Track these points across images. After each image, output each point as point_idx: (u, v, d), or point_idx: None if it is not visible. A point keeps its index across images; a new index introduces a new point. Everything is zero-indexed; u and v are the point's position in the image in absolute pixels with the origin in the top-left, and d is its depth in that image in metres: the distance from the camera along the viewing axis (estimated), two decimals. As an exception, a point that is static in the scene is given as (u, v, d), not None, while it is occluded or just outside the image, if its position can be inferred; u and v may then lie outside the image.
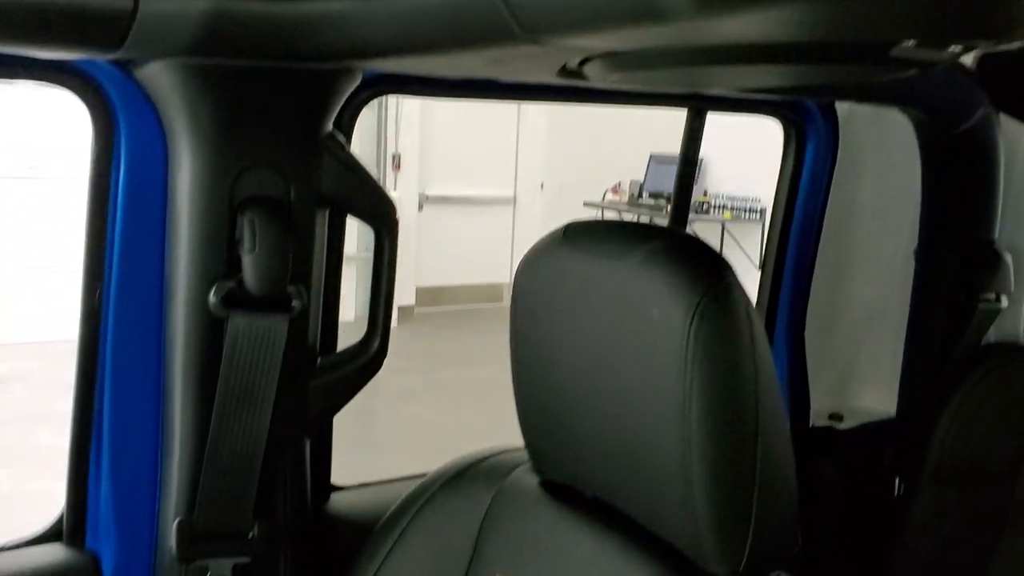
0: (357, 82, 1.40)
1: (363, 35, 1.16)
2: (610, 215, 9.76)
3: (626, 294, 1.08)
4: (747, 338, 1.03)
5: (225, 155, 1.30)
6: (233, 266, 1.32)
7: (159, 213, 1.36)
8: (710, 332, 1.00)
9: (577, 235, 1.20)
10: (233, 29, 1.15)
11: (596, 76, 1.19)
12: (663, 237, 1.11)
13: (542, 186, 10.21)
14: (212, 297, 1.32)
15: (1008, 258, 2.11)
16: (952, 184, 2.09)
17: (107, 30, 1.11)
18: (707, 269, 1.05)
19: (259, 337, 1.32)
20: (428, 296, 9.63)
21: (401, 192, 9.26)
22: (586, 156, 9.82)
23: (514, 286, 1.26)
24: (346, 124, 1.52)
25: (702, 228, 8.62)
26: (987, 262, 2.09)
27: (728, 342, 1.02)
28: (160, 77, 1.26)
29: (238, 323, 1.31)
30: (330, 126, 1.41)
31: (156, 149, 1.34)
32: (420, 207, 9.57)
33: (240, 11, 1.14)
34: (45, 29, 1.08)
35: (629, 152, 9.46)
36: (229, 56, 1.23)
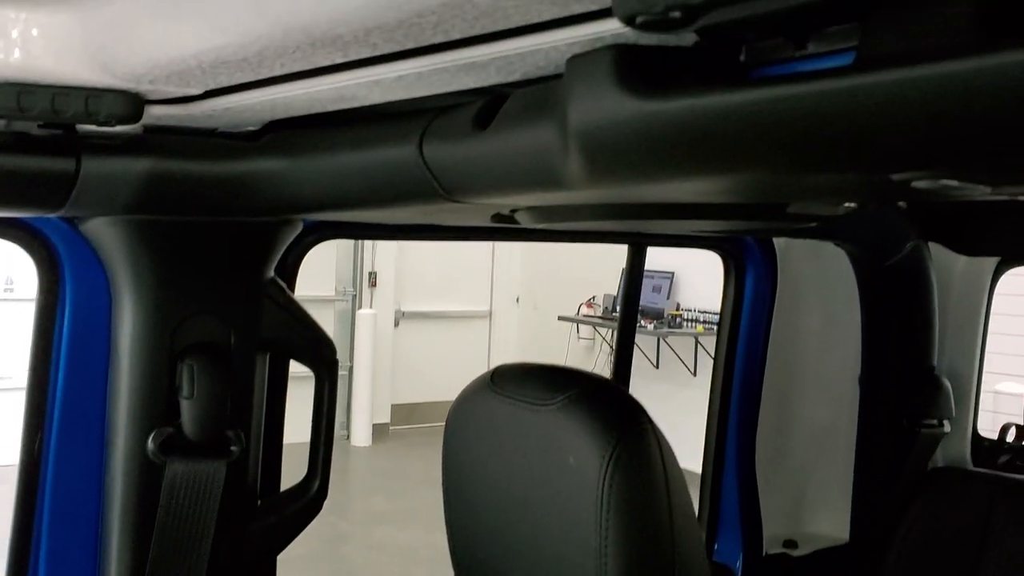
0: (298, 230, 1.46)
1: (298, 192, 1.22)
2: (585, 329, 9.85)
3: (546, 441, 1.12)
4: (661, 484, 1.06)
5: (167, 304, 1.34)
6: (173, 412, 1.35)
7: (102, 361, 1.39)
8: (624, 480, 1.03)
9: (504, 379, 1.24)
10: (172, 188, 1.21)
11: (527, 223, 1.26)
12: (582, 383, 1.15)
13: (518, 300, 10.32)
14: (150, 444, 1.34)
15: (948, 384, 2.17)
16: (889, 313, 2.16)
17: (50, 191, 1.17)
18: (622, 416, 1.09)
19: (196, 482, 1.34)
20: (403, 413, 9.58)
21: (377, 309, 9.33)
22: (561, 270, 9.96)
23: (446, 427, 1.30)
24: (290, 268, 1.58)
25: (675, 342, 8.69)
26: (927, 388, 2.14)
27: (642, 488, 1.05)
28: (104, 231, 1.31)
29: (176, 469, 1.33)
30: (272, 272, 1.46)
31: (100, 299, 1.38)
32: (396, 323, 9.62)
33: (178, 171, 1.20)
34: (3, 197, 1.14)
35: (603, 266, 9.63)
36: (169, 213, 1.29)
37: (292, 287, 1.57)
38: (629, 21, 0.61)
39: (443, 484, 1.31)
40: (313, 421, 1.55)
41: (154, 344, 1.35)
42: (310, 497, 1.54)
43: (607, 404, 1.11)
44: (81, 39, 0.98)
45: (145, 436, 1.35)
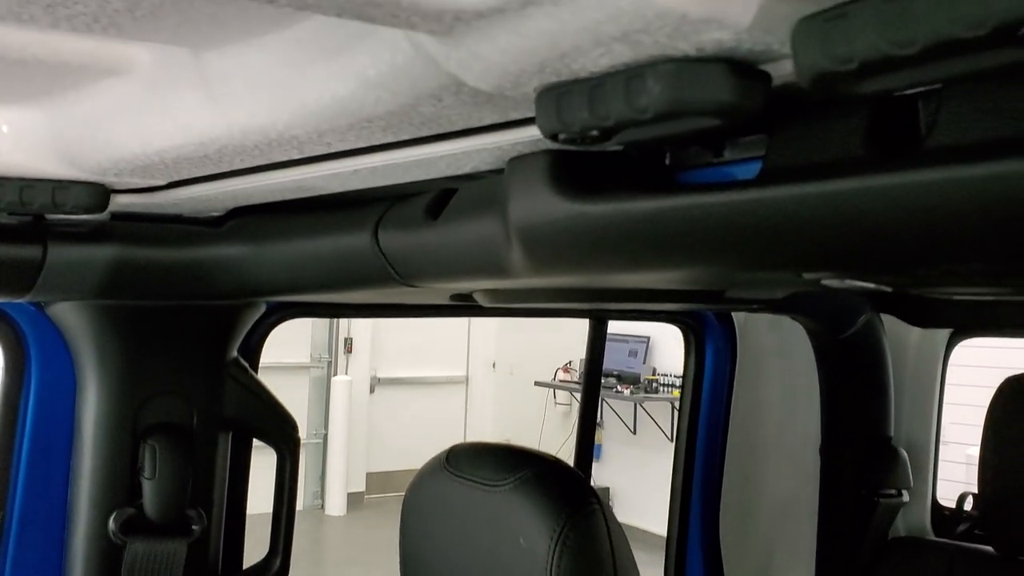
0: (261, 311, 1.49)
1: (260, 277, 1.26)
2: (562, 394, 9.85)
3: (498, 522, 1.15)
4: (608, 564, 1.09)
5: (130, 385, 1.37)
6: (134, 493, 1.37)
7: (65, 441, 1.41)
8: (571, 561, 1.06)
9: (459, 460, 1.27)
10: (137, 274, 1.25)
11: (485, 303, 1.30)
12: (534, 464, 1.18)
13: (494, 365, 10.32)
14: (111, 524, 1.35)
15: (905, 454, 2.21)
16: (845, 384, 2.21)
17: (17, 277, 1.20)
18: (570, 497, 1.12)
19: (157, 563, 1.35)
20: (379, 481, 9.49)
21: (353, 375, 9.30)
22: (537, 335, 10.00)
23: (402, 508, 1.32)
24: (254, 347, 1.61)
25: (652, 407, 8.71)
26: (885, 459, 2.18)
27: (589, 569, 1.08)
28: (69, 315, 1.35)
29: (136, 549, 1.35)
30: (235, 352, 1.49)
31: (65, 380, 1.41)
32: (372, 389, 9.59)
33: (143, 258, 1.24)
34: None
35: (580, 331, 9.67)
36: (134, 298, 1.32)
37: (255, 366, 1.60)
38: (553, 137, 0.66)
39: (400, 566, 1.33)
40: (275, 498, 1.57)
41: (117, 425, 1.37)
42: (272, 575, 1.55)
43: (557, 485, 1.14)
44: (49, 135, 1.03)
45: (106, 517, 1.36)
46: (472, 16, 0.54)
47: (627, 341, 9.12)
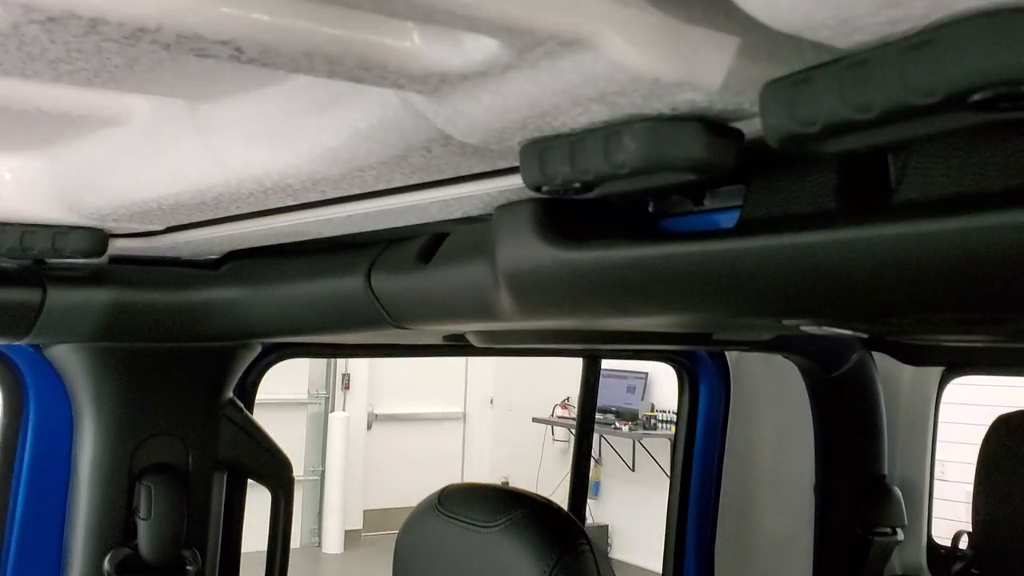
0: (257, 352, 1.51)
1: (255, 319, 1.28)
2: (560, 431, 9.82)
3: (489, 563, 1.16)
4: None
5: (126, 426, 1.38)
6: (130, 533, 1.38)
7: (62, 481, 1.42)
8: None
9: (451, 501, 1.28)
10: (134, 317, 1.27)
11: (477, 343, 1.32)
12: (525, 505, 1.20)
13: (492, 402, 10.30)
14: (107, 565, 1.36)
15: (899, 493, 2.21)
16: (838, 422, 2.22)
17: (17, 320, 1.22)
18: (560, 538, 1.13)
19: None
20: (376, 519, 9.43)
21: (351, 411, 9.28)
22: (535, 371, 9.99)
23: (395, 549, 1.33)
24: (250, 387, 1.63)
25: (651, 443, 8.68)
26: (878, 497, 2.19)
27: (580, 610, 1.09)
28: (67, 357, 1.36)
29: None
30: (230, 392, 1.50)
31: (62, 421, 1.42)
32: (369, 426, 9.56)
33: (140, 301, 1.26)
34: None
35: (578, 367, 9.67)
36: (131, 340, 1.34)
37: (251, 406, 1.61)
38: (536, 189, 0.69)
39: (394, 603, 1.33)
40: (270, 538, 1.58)
41: (113, 465, 1.38)
42: None
43: (547, 526, 1.15)
44: (51, 182, 1.05)
45: (101, 557, 1.37)
46: (457, 78, 0.57)
47: (625, 377, 9.11)
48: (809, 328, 0.82)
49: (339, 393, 9.41)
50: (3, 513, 1.44)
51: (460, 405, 10.38)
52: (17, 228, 1.10)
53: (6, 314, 1.21)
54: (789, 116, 0.48)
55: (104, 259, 1.23)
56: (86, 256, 1.14)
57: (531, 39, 0.50)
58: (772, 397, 2.32)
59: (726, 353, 2.22)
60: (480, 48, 0.53)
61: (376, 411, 9.67)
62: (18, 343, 1.37)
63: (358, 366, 9.47)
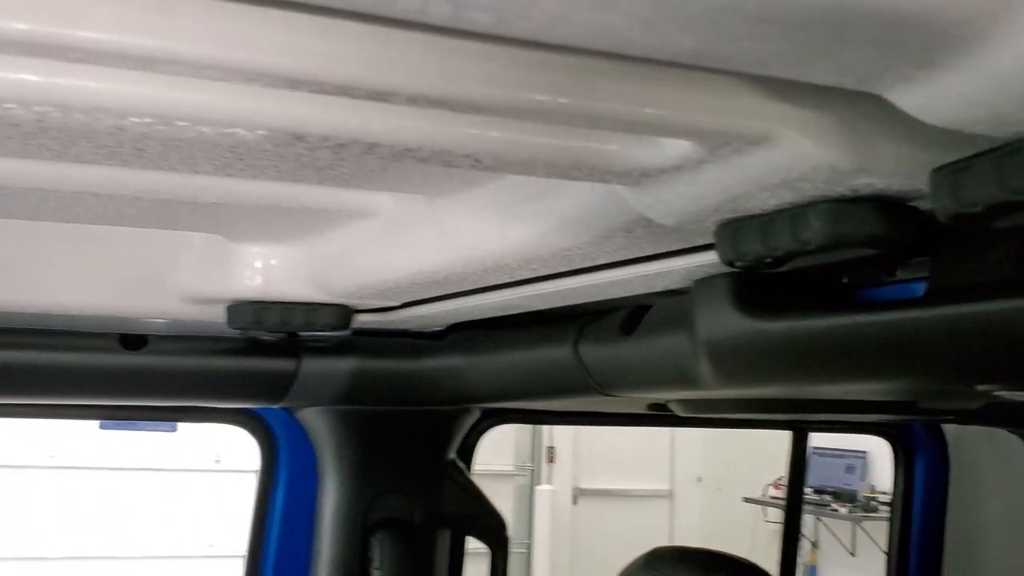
0: (476, 417, 1.65)
1: (474, 385, 1.42)
2: (773, 512, 9.43)
3: None
4: None
5: (362, 482, 1.55)
6: None
7: (308, 529, 1.60)
8: None
9: (659, 563, 1.34)
10: (372, 382, 1.43)
11: (681, 412, 1.38)
12: (729, 568, 1.23)
13: (699, 480, 10.06)
14: None
15: None
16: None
17: (274, 386, 1.41)
18: None
19: None
20: (583, 595, 9.36)
21: (556, 485, 9.35)
22: (745, 448, 9.67)
23: (605, 608, 1.39)
24: (468, 450, 1.76)
25: (872, 527, 8.17)
26: None
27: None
28: (315, 419, 1.55)
29: None
30: (452, 454, 1.64)
31: (309, 477, 1.61)
32: (574, 500, 9.58)
33: (377, 368, 1.43)
34: (231, 389, 1.40)
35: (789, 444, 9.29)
36: (369, 403, 1.51)
37: (469, 467, 1.74)
38: (731, 264, 0.76)
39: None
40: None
41: (351, 519, 1.54)
42: None
43: None
44: (307, 266, 1.23)
45: None
46: (656, 172, 0.66)
47: (843, 456, 8.66)
48: (1002, 393, 0.83)
49: (544, 466, 9.51)
50: (258, 555, 1.63)
51: (667, 482, 10.20)
52: (279, 306, 1.29)
53: (266, 381, 1.41)
54: (954, 199, 0.53)
55: (348, 332, 1.40)
56: (333, 329, 1.31)
57: (721, 139, 0.59)
58: (999, 475, 2.20)
59: (943, 427, 2.14)
60: (676, 148, 0.62)
61: (581, 485, 9.69)
62: (273, 406, 1.57)
63: (563, 439, 9.55)
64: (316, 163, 0.90)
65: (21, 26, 0.46)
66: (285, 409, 1.62)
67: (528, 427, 9.46)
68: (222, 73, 0.53)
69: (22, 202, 1.01)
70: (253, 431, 1.65)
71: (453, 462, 1.65)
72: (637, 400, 1.34)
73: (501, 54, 0.54)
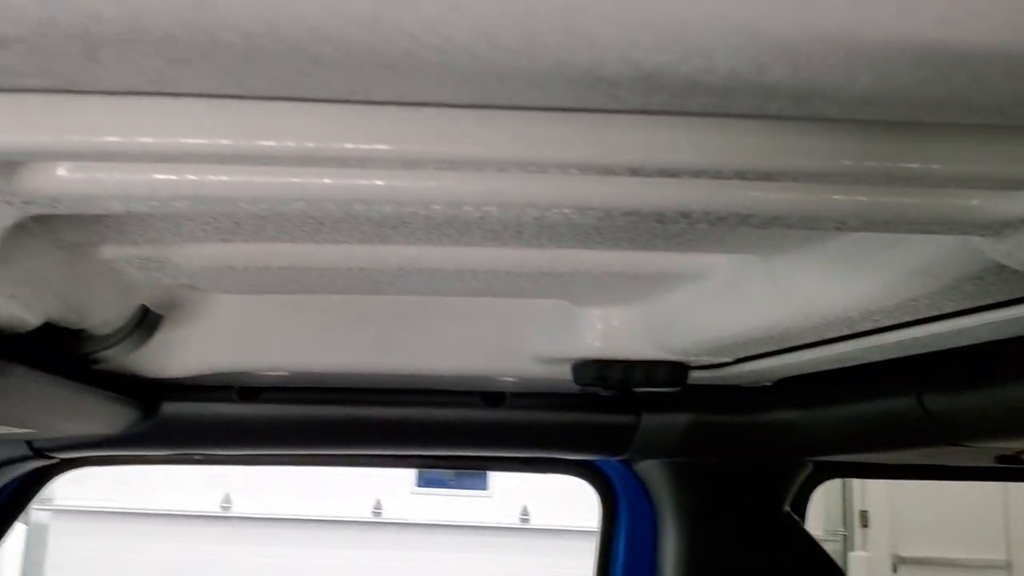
0: (809, 470, 1.66)
1: (808, 438, 1.44)
2: None
3: None
4: None
5: (701, 534, 1.61)
6: None
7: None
8: None
9: None
10: (706, 435, 1.51)
11: None
12: None
13: (1042, 549, 8.99)
14: None
15: None
16: None
17: (615, 440, 1.53)
18: None
19: None
20: (910, 672, 8.63)
21: (872, 552, 8.76)
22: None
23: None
24: (801, 503, 1.77)
25: None
26: None
27: None
28: (651, 471, 1.64)
29: None
30: (786, 507, 1.66)
31: (648, 527, 1.69)
32: (894, 569, 8.91)
33: (711, 421, 1.50)
34: (577, 442, 1.53)
35: None
36: (705, 456, 1.58)
37: (803, 520, 1.75)
38: None
39: None
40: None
41: (691, 570, 1.61)
42: None
43: None
44: (645, 326, 1.34)
45: None
46: (1018, 222, 0.69)
47: None
48: None
49: (858, 531, 8.96)
50: (601, 604, 1.74)
51: (1001, 551, 9.22)
52: (620, 364, 1.40)
53: (607, 435, 1.53)
54: None
55: (682, 387, 1.49)
56: (671, 385, 1.40)
57: None
58: None
59: None
60: None
61: (901, 553, 9.00)
62: (613, 459, 1.68)
63: (876, 502, 8.96)
64: (667, 232, 1.00)
65: (419, 147, 0.60)
66: (623, 461, 1.73)
67: (837, 489, 8.99)
68: (625, 169, 0.64)
69: (407, 280, 1.20)
70: (593, 482, 1.77)
71: (788, 514, 1.67)
72: (984, 451, 1.30)
73: (878, 127, 0.61)
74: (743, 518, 1.63)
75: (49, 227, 0.90)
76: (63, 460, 1.64)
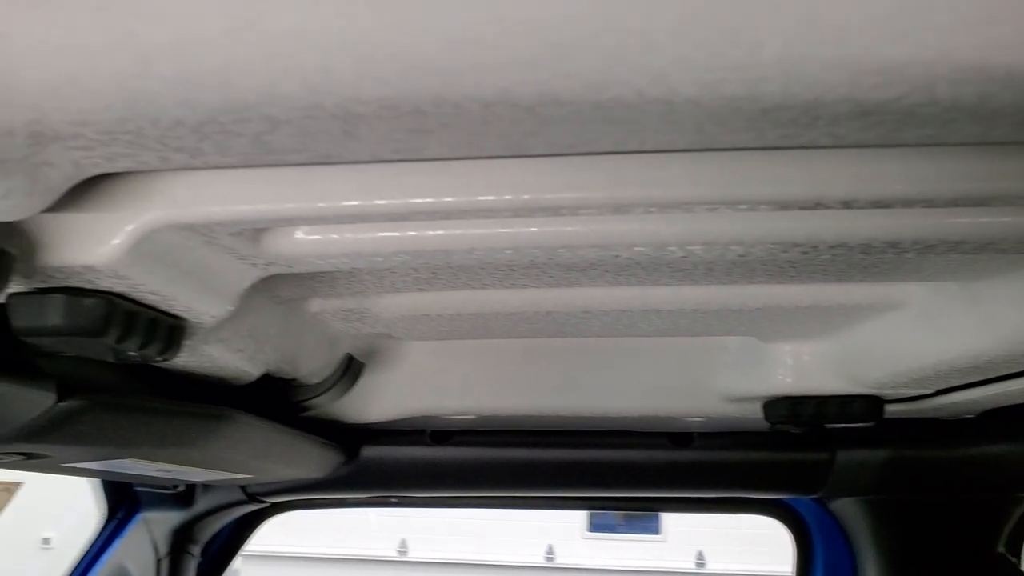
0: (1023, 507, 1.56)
1: (1018, 472, 1.36)
2: None
3: None
4: None
5: (907, 574, 1.54)
6: None
7: None
8: None
9: None
10: (905, 471, 1.45)
11: None
12: None
13: None
14: None
15: None
16: None
17: (809, 478, 1.49)
18: None
19: None
20: None
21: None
22: None
23: None
24: (1016, 542, 1.65)
25: None
26: None
27: None
28: (848, 510, 1.59)
29: None
30: (1001, 547, 1.56)
31: (846, 567, 1.63)
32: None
33: (909, 457, 1.44)
34: (769, 481, 1.50)
35: None
36: (906, 493, 1.51)
37: (1020, 562, 1.64)
38: None
39: None
40: None
41: None
42: None
43: None
44: (838, 360, 1.31)
45: None
46: None
47: None
48: None
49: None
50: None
51: None
52: (813, 400, 1.37)
53: (800, 473, 1.49)
54: None
55: (878, 421, 1.44)
56: (866, 420, 1.35)
57: None
58: None
59: None
60: None
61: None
62: (807, 498, 1.64)
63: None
64: (863, 262, 0.98)
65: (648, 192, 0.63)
66: (817, 500, 1.68)
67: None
68: (836, 203, 0.65)
69: (592, 322, 1.22)
70: (786, 522, 1.72)
71: (1003, 555, 1.57)
72: None
73: None
74: (951, 559, 1.55)
75: (270, 284, 0.99)
76: (273, 504, 1.75)
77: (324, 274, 1.02)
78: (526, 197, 0.63)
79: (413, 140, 0.53)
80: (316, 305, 1.13)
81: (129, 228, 0.65)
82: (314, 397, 1.29)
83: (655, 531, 9.74)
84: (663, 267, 0.98)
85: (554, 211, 0.65)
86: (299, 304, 1.12)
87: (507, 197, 0.63)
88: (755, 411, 1.38)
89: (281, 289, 1.04)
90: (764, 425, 1.40)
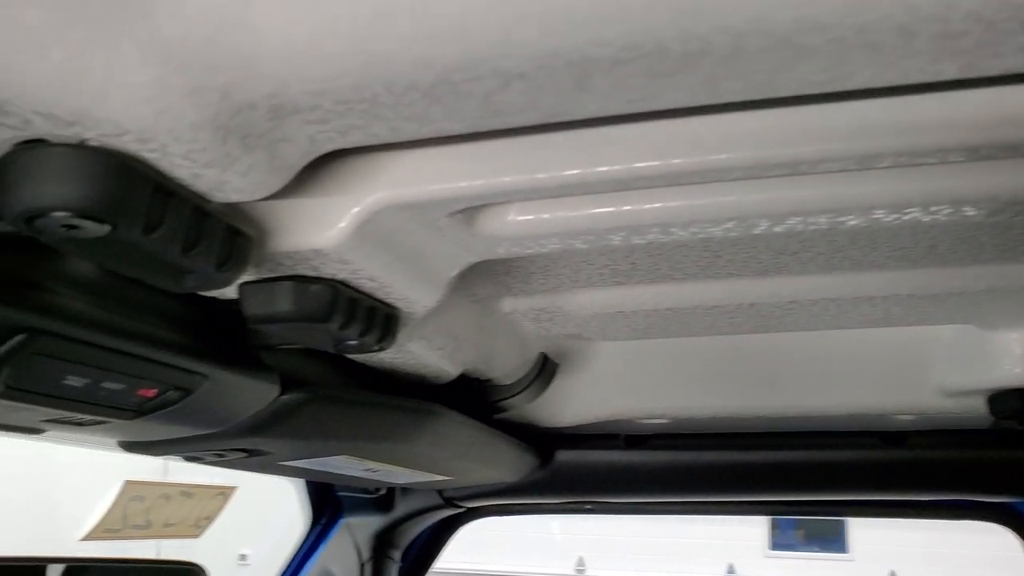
0: None
1: None
2: None
3: None
4: None
5: None
6: None
7: None
8: None
9: None
10: None
11: None
12: None
13: None
14: None
15: None
16: None
17: None
18: None
19: None
20: None
21: None
22: None
23: None
24: None
25: None
26: None
27: None
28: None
29: None
30: None
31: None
32: None
33: None
34: (994, 482, 1.38)
35: None
36: None
37: None
38: None
39: None
40: None
41: None
42: None
43: None
44: None
45: None
46: None
47: None
48: None
49: None
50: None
51: None
52: None
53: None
54: None
55: None
56: None
57: None
58: None
59: None
60: None
61: None
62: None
63: None
64: None
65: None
66: (1044, 503, 1.54)
67: None
68: None
69: (797, 315, 1.16)
70: (1013, 527, 1.58)
71: None
72: None
73: None
74: None
75: (467, 283, 0.99)
76: (469, 509, 1.77)
77: (520, 270, 1.02)
78: (762, 153, 0.59)
79: (649, 87, 0.51)
80: (508, 304, 1.13)
81: (355, 210, 0.66)
82: (510, 397, 1.29)
83: (841, 549, 9.29)
84: (882, 246, 0.92)
85: (792, 167, 0.61)
86: (493, 303, 1.12)
87: (743, 153, 0.59)
88: (977, 406, 1.28)
89: (478, 287, 1.05)
90: (986, 421, 1.30)
